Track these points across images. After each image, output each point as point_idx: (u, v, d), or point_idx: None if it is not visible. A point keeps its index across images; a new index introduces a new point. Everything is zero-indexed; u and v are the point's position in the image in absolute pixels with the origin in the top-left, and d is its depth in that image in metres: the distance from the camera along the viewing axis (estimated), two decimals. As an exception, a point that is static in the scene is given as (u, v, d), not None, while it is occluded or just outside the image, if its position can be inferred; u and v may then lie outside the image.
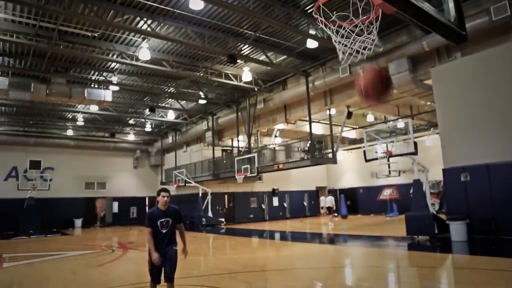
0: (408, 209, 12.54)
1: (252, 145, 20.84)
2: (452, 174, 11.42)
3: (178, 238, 4.84)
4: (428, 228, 11.24)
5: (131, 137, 28.23)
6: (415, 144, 11.84)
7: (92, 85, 16.68)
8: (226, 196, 25.02)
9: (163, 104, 21.23)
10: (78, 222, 25.20)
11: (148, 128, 25.91)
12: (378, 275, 7.43)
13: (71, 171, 26.16)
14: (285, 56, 15.15)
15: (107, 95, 16.42)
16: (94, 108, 20.10)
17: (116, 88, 16.93)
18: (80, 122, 23.25)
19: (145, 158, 30.45)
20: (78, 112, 21.06)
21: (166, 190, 4.75)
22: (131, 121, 24.88)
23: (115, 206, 27.96)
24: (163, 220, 4.65)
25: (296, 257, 10.16)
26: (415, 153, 11.83)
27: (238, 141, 22.14)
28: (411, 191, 13.08)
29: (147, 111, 21.73)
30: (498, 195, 10.29)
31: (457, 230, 10.47)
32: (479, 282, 6.09)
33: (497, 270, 6.99)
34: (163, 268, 4.58)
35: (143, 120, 24.29)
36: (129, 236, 18.60)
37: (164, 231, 4.65)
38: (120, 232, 20.59)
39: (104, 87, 16.55)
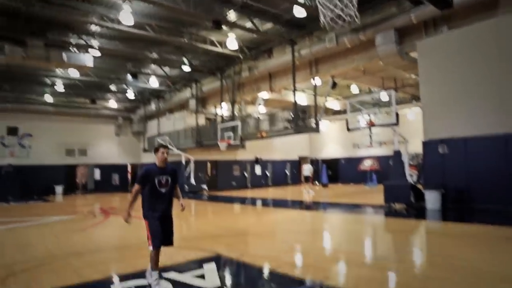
0: (387, 179, 12.93)
1: (236, 113, 20.76)
2: (431, 146, 11.76)
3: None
4: (405, 196, 11.66)
5: (113, 103, 27.67)
6: (397, 115, 12.04)
7: (72, 49, 16.07)
8: (209, 163, 25.15)
9: (146, 71, 20.73)
10: (59, 189, 24.96)
11: (130, 95, 25.39)
12: (355, 239, 7.75)
13: (51, 138, 25.62)
14: (271, 24, 14.86)
15: (87, 60, 15.90)
16: (74, 74, 19.49)
17: (97, 53, 16.35)
18: (60, 88, 22.55)
19: (127, 125, 30.01)
20: (58, 77, 20.36)
21: (165, 146, 4.47)
22: (112, 87, 24.28)
23: (97, 173, 27.78)
24: (162, 177, 4.30)
25: (276, 222, 10.44)
26: (397, 123, 12.05)
27: (221, 108, 22.03)
28: (391, 161, 13.43)
29: (129, 77, 21.22)
30: (473, 167, 10.71)
31: (432, 199, 10.92)
32: (450, 245, 6.43)
33: (467, 235, 7.40)
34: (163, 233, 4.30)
35: (125, 86, 23.75)
36: (111, 202, 18.63)
37: (163, 190, 4.31)
38: (102, 199, 20.58)
39: (84, 51, 15.99)
